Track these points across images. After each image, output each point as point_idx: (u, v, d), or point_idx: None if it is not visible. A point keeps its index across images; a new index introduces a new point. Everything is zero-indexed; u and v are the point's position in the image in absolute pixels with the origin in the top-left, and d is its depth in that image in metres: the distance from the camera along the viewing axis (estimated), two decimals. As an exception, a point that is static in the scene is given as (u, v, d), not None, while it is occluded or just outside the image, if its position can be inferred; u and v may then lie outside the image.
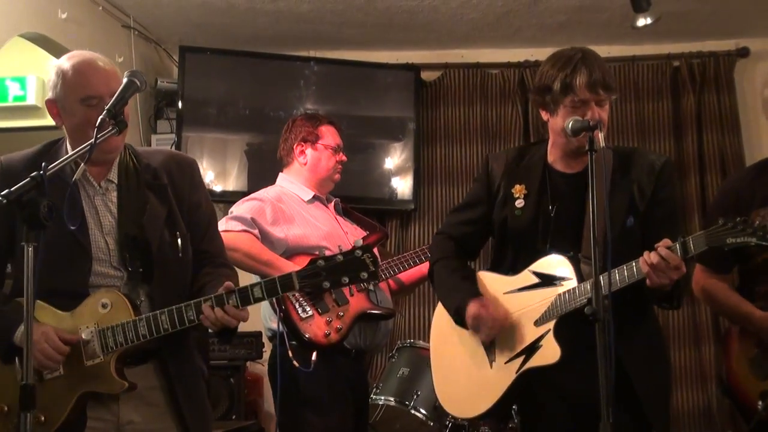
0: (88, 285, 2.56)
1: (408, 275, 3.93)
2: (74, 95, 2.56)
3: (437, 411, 3.97)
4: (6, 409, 2.54)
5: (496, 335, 2.92)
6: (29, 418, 2.11)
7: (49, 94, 2.62)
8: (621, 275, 2.67)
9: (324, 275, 2.45)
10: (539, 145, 3.07)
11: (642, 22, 5.47)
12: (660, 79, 6.40)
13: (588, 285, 2.73)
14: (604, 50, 6.32)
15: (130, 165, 2.69)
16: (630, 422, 2.76)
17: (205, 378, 2.78)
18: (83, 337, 2.51)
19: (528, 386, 2.91)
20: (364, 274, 2.46)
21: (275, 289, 2.49)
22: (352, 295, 3.60)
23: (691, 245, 2.58)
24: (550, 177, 2.94)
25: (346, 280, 2.46)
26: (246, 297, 2.49)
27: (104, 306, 2.52)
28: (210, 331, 2.60)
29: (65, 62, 2.61)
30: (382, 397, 4.10)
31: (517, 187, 2.97)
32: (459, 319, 3.00)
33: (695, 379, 6.09)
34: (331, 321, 3.50)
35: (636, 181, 2.89)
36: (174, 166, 2.76)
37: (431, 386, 3.28)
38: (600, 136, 2.53)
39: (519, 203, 2.95)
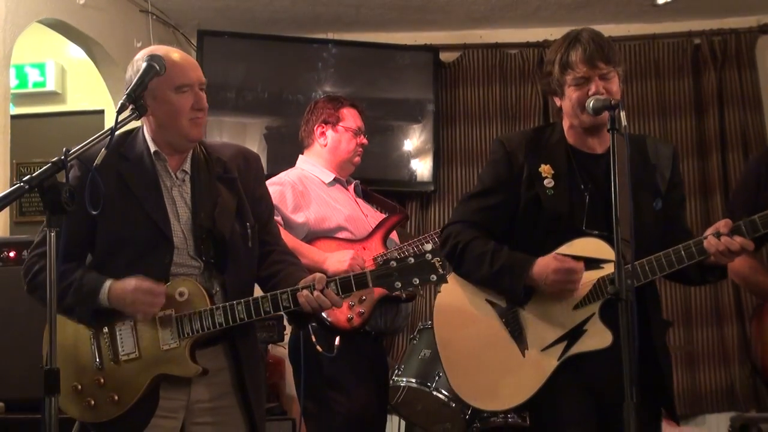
0: (169, 274, 2.65)
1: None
2: (168, 84, 2.61)
3: (459, 392, 3.96)
4: (80, 387, 2.65)
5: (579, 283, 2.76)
6: (53, 402, 2.14)
7: None
8: (678, 255, 2.68)
9: (396, 276, 2.58)
10: (552, 126, 3.00)
11: (663, -1, 5.44)
12: (681, 57, 6.35)
13: (631, 267, 2.60)
14: (623, 29, 6.39)
15: (201, 157, 2.77)
16: (644, 401, 2.73)
17: (262, 360, 2.88)
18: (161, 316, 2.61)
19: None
20: (434, 277, 2.57)
21: (350, 286, 2.61)
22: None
23: (759, 225, 2.63)
24: (576, 158, 2.88)
25: (416, 281, 2.57)
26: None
27: (181, 294, 2.62)
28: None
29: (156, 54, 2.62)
30: (404, 379, 4.10)
31: (544, 167, 2.86)
32: (521, 288, 2.79)
33: (718, 358, 6.09)
34: (353, 305, 3.49)
35: (656, 166, 2.89)
36: (242, 160, 2.86)
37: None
38: (622, 115, 2.50)
39: (548, 182, 2.84)
